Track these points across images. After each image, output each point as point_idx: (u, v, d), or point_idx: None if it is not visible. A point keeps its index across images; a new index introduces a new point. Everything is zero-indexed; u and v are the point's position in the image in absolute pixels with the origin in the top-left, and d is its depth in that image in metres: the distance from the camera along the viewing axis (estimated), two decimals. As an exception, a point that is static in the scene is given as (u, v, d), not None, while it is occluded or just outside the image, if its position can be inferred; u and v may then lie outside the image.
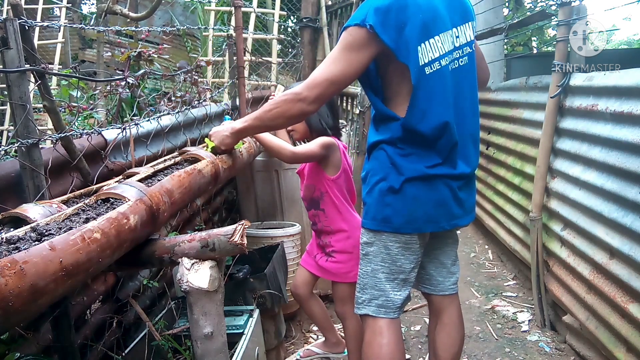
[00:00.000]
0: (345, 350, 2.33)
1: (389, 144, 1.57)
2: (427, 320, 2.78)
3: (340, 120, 3.61)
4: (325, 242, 2.15)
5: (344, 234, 2.10)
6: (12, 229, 1.07)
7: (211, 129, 1.85)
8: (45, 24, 1.80)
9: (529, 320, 2.77)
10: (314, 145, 2.03)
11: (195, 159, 1.73)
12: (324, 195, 2.10)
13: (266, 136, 2.01)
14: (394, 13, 1.42)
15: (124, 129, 1.89)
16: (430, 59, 1.48)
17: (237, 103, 3.15)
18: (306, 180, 2.17)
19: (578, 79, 2.41)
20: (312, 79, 1.52)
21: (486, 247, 4.02)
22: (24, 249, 0.88)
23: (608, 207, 2.01)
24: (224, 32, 4.54)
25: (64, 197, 1.38)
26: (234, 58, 3.25)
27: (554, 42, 2.70)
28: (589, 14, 2.42)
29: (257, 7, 5.17)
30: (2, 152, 1.71)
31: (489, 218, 3.83)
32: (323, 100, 1.55)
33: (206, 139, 1.84)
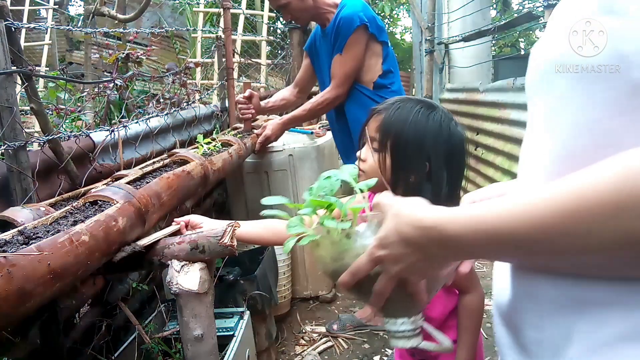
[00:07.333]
0: None
1: None
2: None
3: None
4: None
5: None
6: (-1, 233, 1.06)
7: (217, 131, 1.85)
8: (32, 25, 1.78)
9: (518, 319, 2.79)
10: None
11: (184, 161, 1.73)
12: None
13: None
14: (370, 13, 2.19)
15: (112, 131, 1.89)
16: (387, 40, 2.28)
17: (227, 105, 3.14)
18: None
19: (564, 80, 2.43)
20: (339, 79, 2.22)
21: (475, 246, 4.05)
22: (11, 252, 0.88)
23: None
24: (212, 33, 4.54)
25: (52, 200, 1.38)
26: (223, 59, 3.25)
27: (541, 44, 2.73)
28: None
29: (246, 9, 5.17)
30: (-11, 155, 1.69)
31: (478, 218, 3.86)
32: (349, 89, 2.26)
33: (197, 142, 1.83)
